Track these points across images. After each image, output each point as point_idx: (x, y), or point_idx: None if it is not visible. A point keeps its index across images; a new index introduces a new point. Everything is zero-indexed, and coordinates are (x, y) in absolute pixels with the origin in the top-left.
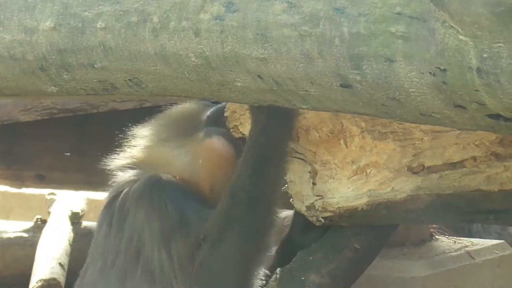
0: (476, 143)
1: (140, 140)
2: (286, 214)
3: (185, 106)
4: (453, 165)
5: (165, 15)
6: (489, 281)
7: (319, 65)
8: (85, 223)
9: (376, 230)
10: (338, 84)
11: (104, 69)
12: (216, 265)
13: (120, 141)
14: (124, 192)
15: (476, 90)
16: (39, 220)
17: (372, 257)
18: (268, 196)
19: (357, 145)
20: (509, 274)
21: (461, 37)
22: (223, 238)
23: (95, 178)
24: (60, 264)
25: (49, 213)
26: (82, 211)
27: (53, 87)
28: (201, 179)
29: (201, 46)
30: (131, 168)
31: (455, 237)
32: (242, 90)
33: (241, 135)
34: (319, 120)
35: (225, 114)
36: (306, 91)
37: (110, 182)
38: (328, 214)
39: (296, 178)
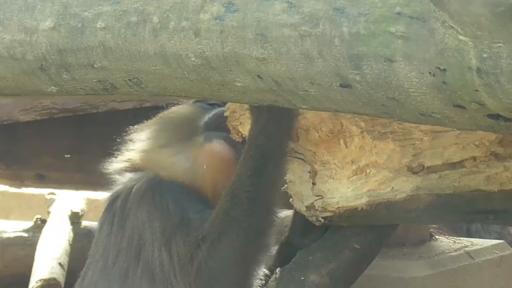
0: (476, 143)
1: (137, 145)
2: (286, 214)
3: (181, 110)
4: (453, 165)
5: (165, 15)
6: (489, 281)
7: (319, 65)
8: (84, 223)
9: (376, 230)
10: (337, 84)
11: (104, 69)
12: (215, 264)
13: (118, 144)
14: (125, 192)
15: (476, 90)
16: (39, 220)
17: (372, 257)
18: (267, 196)
19: (357, 145)
20: (509, 274)
21: (461, 37)
22: (222, 237)
23: (95, 178)
24: (59, 264)
25: (48, 213)
26: (81, 211)
27: (53, 87)
28: (203, 183)
29: (201, 46)
30: (130, 172)
31: (454, 237)
32: (242, 90)
33: (241, 136)
34: (319, 120)
35: (225, 114)
36: (306, 91)
37: (109, 185)
38: (328, 214)
39: (296, 178)
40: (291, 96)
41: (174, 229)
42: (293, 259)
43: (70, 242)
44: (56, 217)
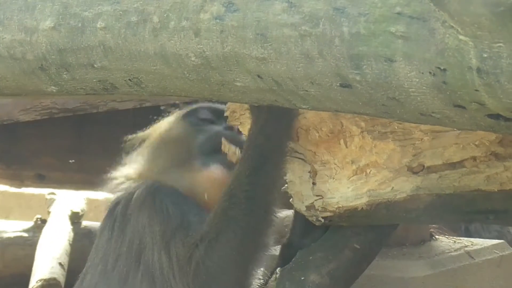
0: (476, 143)
1: (133, 166)
2: (286, 214)
3: (172, 130)
4: (453, 165)
5: (165, 15)
6: (489, 281)
7: (319, 65)
8: (85, 223)
9: (376, 230)
10: (338, 84)
11: (104, 68)
12: (213, 264)
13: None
14: (126, 198)
15: (476, 90)
16: (39, 219)
17: (372, 257)
18: (266, 195)
19: (357, 145)
20: (509, 274)
21: (461, 37)
22: (220, 237)
23: (95, 178)
24: (60, 263)
25: (49, 212)
26: (82, 211)
27: (53, 87)
28: (203, 206)
29: (201, 46)
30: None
31: (454, 237)
32: (242, 90)
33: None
34: (319, 120)
35: (225, 114)
36: (306, 91)
37: (110, 191)
38: (328, 214)
39: (296, 178)
40: (291, 96)
41: (173, 232)
42: (293, 259)
43: (70, 242)
44: (56, 217)
